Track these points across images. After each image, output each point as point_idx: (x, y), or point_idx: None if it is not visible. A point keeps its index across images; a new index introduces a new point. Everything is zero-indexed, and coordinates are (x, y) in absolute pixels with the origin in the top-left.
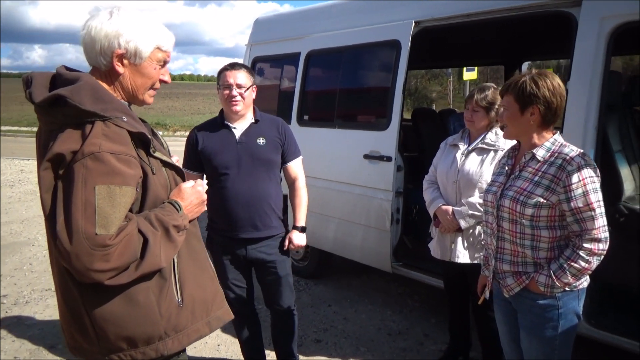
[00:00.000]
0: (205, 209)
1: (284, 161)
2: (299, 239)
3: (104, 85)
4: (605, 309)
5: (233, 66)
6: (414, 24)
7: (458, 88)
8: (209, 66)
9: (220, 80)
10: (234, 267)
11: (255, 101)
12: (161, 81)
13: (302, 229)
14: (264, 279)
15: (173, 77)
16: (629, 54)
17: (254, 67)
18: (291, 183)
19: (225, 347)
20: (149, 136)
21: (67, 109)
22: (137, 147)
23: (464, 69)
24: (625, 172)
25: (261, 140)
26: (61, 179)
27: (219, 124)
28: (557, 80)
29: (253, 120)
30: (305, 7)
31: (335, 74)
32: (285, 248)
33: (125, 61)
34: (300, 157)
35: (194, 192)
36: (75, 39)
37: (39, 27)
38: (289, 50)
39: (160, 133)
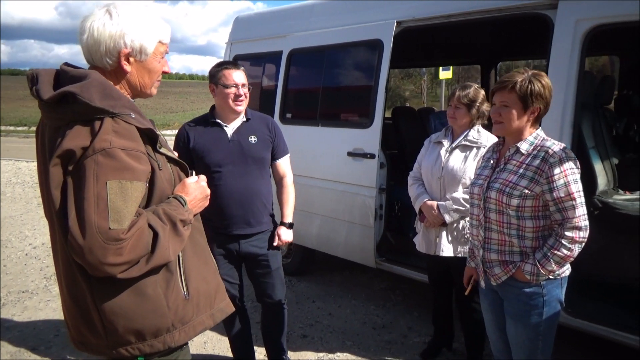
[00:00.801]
0: (208, 203)
1: (273, 158)
2: (286, 235)
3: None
4: (582, 298)
5: (235, 65)
6: (396, 24)
7: (431, 87)
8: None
9: (221, 79)
10: (227, 262)
11: None
12: (163, 72)
13: (290, 225)
14: (255, 273)
15: None
16: (602, 55)
17: None
18: (279, 180)
19: (212, 345)
20: (157, 132)
21: (76, 106)
22: (145, 143)
23: (440, 68)
24: (598, 167)
25: (253, 139)
26: (72, 175)
27: (210, 121)
28: (549, 80)
29: (244, 119)
30: (287, 6)
31: (318, 72)
32: (274, 244)
33: (131, 59)
34: (288, 155)
35: (198, 187)
36: (40, 34)
37: (2, 22)
38: (270, 49)
39: None
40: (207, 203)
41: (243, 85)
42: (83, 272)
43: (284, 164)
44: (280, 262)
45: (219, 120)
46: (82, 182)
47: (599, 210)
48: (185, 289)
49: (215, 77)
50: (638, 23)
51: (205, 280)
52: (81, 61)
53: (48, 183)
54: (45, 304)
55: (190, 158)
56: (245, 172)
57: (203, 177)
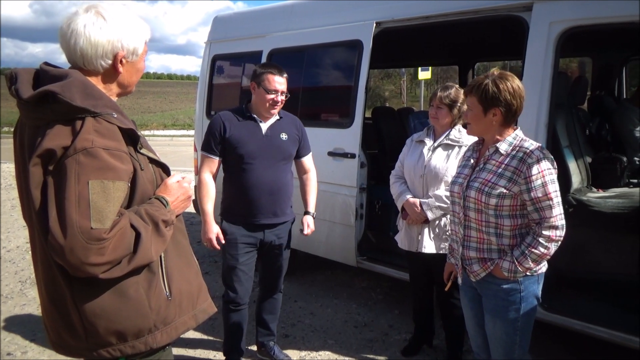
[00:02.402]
0: (191, 204)
1: (299, 155)
2: (313, 223)
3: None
4: (558, 294)
5: (280, 71)
6: (375, 25)
7: (411, 87)
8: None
9: (264, 82)
10: (248, 252)
11: (216, 99)
12: None
13: (314, 215)
14: (269, 260)
15: None
16: (576, 57)
17: (214, 64)
18: (304, 174)
19: (195, 345)
20: (138, 133)
21: (57, 105)
22: (127, 143)
23: (419, 68)
24: (572, 166)
25: (284, 136)
26: (52, 175)
27: (246, 116)
28: (518, 83)
29: (277, 117)
30: (267, 6)
31: (298, 72)
32: (304, 233)
33: (124, 61)
34: (311, 152)
35: (180, 188)
36: (14, 33)
37: None
38: (250, 49)
39: None
40: (189, 204)
41: (282, 93)
42: (64, 273)
43: (308, 161)
44: (289, 253)
45: (255, 116)
46: (63, 181)
47: (573, 208)
48: (167, 290)
49: (259, 77)
50: (609, 25)
51: (187, 280)
52: (58, 60)
53: (28, 183)
54: (21, 308)
55: (223, 147)
56: (274, 165)
57: (186, 178)
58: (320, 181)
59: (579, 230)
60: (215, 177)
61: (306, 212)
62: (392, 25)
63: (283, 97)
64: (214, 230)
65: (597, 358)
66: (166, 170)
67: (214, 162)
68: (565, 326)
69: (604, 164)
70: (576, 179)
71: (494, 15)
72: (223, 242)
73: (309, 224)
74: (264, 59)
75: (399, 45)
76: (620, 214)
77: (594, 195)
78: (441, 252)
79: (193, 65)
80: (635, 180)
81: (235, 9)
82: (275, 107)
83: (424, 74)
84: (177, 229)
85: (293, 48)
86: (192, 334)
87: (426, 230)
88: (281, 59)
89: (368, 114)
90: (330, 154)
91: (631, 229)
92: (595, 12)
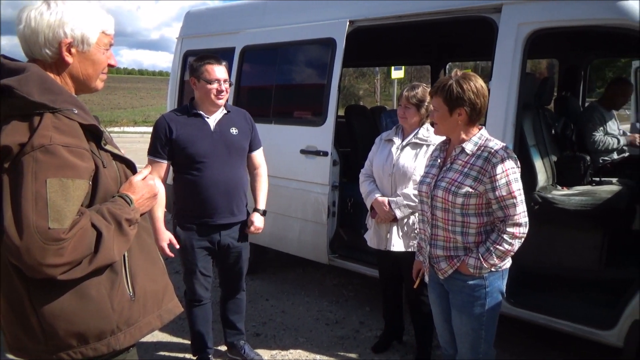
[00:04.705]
0: (156, 202)
1: (250, 150)
2: (259, 222)
3: (51, 76)
4: (522, 289)
5: (217, 60)
6: (348, 23)
7: (384, 86)
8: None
9: (203, 74)
10: (205, 254)
11: (187, 96)
12: (109, 65)
13: (264, 212)
14: (227, 262)
15: None
16: (543, 58)
17: (185, 61)
18: (254, 170)
19: (162, 346)
20: (101, 128)
21: (13, 100)
22: (88, 140)
23: (392, 68)
24: (538, 164)
25: (234, 130)
26: (8, 173)
27: (192, 113)
28: (480, 82)
29: (225, 112)
30: (241, 2)
31: (271, 70)
32: (246, 231)
33: (73, 50)
34: (262, 147)
35: (145, 186)
36: None
37: None
38: (222, 45)
39: None
40: (155, 202)
41: (225, 81)
42: (20, 274)
43: (259, 156)
44: (249, 253)
45: (201, 112)
46: (19, 180)
47: (538, 205)
48: (131, 290)
49: (197, 71)
50: (576, 28)
51: (152, 280)
52: (21, 53)
53: None
54: None
55: (170, 149)
56: (228, 162)
57: (151, 175)
58: (292, 179)
59: (544, 227)
60: (164, 181)
61: (255, 209)
62: (366, 24)
63: (227, 86)
64: (166, 237)
65: (560, 351)
66: (131, 167)
67: (162, 166)
68: (531, 320)
69: (568, 163)
70: (542, 177)
71: (465, 16)
72: (177, 247)
73: (254, 223)
74: (236, 56)
75: (372, 44)
76: (583, 211)
77: (559, 193)
78: (410, 250)
79: (166, 61)
80: (598, 179)
81: (211, 4)
82: (221, 96)
83: (397, 74)
84: (142, 227)
85: (266, 45)
86: (161, 336)
87: (395, 228)
88: (254, 56)
89: (341, 112)
90: (303, 151)
91: (594, 226)
92: (563, 14)
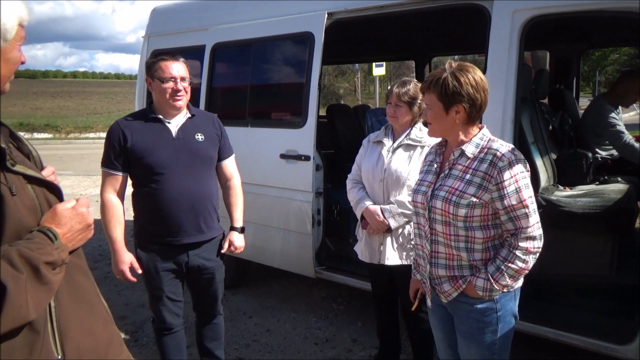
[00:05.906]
0: (92, 234)
1: (220, 158)
2: (239, 241)
3: None
4: (528, 299)
5: (173, 56)
6: (327, 16)
7: (365, 84)
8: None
9: (157, 71)
10: (172, 278)
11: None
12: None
13: (242, 230)
14: (199, 285)
15: (64, 75)
16: (536, 49)
17: None
18: (226, 182)
19: None
20: (2, 145)
21: None
22: None
23: (373, 65)
24: (539, 163)
25: (200, 136)
26: None
27: (150, 118)
28: (479, 74)
29: (189, 115)
30: None
31: (245, 68)
32: (224, 251)
33: None
34: (234, 155)
35: (76, 215)
36: None
37: None
38: (192, 43)
39: (47, 135)
40: (90, 234)
41: (182, 79)
42: None
43: (230, 165)
44: (224, 274)
45: (160, 116)
46: None
47: (542, 208)
48: (59, 351)
49: (151, 69)
50: (576, 14)
51: (90, 333)
52: None
53: None
54: None
55: (127, 160)
56: (193, 173)
57: (83, 202)
58: (272, 186)
59: (549, 232)
60: (121, 195)
61: (232, 228)
62: (345, 15)
63: (186, 85)
64: (126, 260)
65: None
66: (55, 192)
67: (118, 178)
68: (539, 334)
69: (569, 161)
70: (543, 178)
71: (454, 4)
72: (139, 271)
73: (234, 242)
74: (207, 55)
75: (352, 38)
76: (592, 214)
77: (563, 194)
78: (405, 262)
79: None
80: (602, 177)
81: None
82: (178, 96)
83: (379, 70)
84: (74, 267)
85: (239, 42)
86: None
87: (388, 240)
88: (226, 54)
89: (322, 112)
90: (283, 156)
91: (603, 229)
92: None
